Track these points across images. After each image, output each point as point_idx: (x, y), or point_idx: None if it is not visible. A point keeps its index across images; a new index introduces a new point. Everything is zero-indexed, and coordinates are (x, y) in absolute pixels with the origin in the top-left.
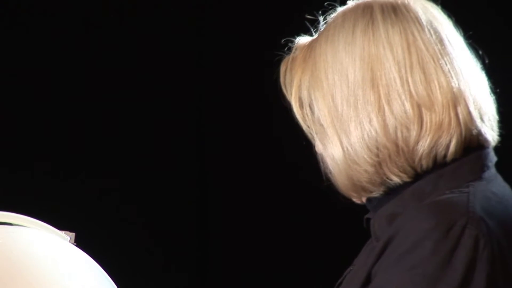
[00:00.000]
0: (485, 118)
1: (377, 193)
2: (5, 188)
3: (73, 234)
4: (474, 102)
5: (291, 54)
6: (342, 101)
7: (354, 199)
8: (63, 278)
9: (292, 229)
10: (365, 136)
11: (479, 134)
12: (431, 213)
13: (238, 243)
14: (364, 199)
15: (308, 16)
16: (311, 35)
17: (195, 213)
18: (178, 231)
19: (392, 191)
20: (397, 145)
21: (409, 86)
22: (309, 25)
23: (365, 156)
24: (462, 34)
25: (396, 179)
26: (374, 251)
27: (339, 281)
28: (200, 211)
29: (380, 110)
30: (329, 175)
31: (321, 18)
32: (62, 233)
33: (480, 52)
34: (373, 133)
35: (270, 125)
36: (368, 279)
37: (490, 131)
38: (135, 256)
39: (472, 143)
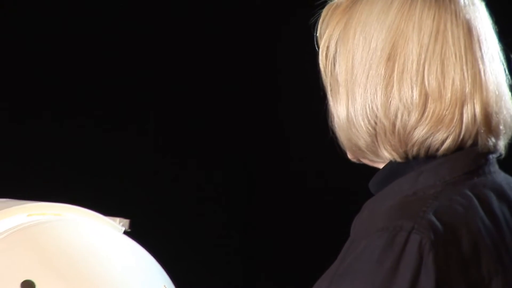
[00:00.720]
0: (494, 125)
1: (376, 163)
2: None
3: (127, 221)
4: (485, 108)
5: (336, 1)
6: (359, 65)
7: (350, 158)
8: (115, 269)
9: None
10: (367, 106)
11: (480, 138)
12: (385, 217)
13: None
14: (365, 161)
15: None
16: None
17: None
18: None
19: (384, 180)
20: (394, 125)
21: (423, 73)
22: None
23: (363, 125)
24: (500, 36)
25: (387, 155)
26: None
27: None
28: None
29: (388, 87)
30: (334, 130)
31: None
32: (117, 220)
33: None
34: (374, 106)
35: None
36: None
37: (496, 139)
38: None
39: (467, 145)
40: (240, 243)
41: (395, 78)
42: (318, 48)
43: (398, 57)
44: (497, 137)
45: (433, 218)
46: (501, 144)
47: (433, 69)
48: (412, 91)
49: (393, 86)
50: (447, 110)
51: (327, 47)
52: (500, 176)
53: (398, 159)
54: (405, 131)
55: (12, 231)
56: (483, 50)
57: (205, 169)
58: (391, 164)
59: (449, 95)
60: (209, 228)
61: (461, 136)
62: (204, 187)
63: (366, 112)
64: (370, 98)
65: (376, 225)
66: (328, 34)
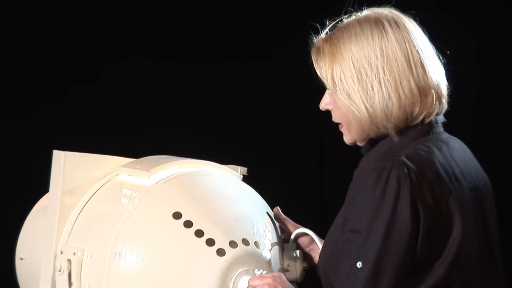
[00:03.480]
0: (443, 100)
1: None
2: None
3: (245, 169)
4: (441, 90)
5: (315, 46)
6: (371, 82)
7: (347, 141)
8: (238, 202)
9: None
10: (385, 108)
11: (438, 110)
12: (374, 162)
13: None
14: (360, 144)
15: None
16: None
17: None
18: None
19: (371, 146)
20: (406, 116)
21: (413, 74)
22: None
23: (382, 120)
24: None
25: (393, 136)
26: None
27: None
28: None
29: (396, 90)
30: (345, 134)
31: (327, 22)
32: (238, 169)
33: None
34: (390, 107)
35: None
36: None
37: (440, 114)
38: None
39: (431, 116)
40: None
41: (398, 82)
42: (322, 80)
43: (395, 69)
44: (440, 113)
45: (405, 159)
46: (442, 117)
47: (419, 71)
48: (411, 88)
49: (399, 88)
50: (432, 96)
51: (332, 79)
52: (445, 134)
53: (395, 136)
54: (412, 117)
55: (168, 178)
56: (429, 51)
57: None
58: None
59: (430, 85)
60: None
61: (433, 111)
62: None
63: (384, 111)
64: (386, 100)
65: (368, 168)
66: (330, 72)
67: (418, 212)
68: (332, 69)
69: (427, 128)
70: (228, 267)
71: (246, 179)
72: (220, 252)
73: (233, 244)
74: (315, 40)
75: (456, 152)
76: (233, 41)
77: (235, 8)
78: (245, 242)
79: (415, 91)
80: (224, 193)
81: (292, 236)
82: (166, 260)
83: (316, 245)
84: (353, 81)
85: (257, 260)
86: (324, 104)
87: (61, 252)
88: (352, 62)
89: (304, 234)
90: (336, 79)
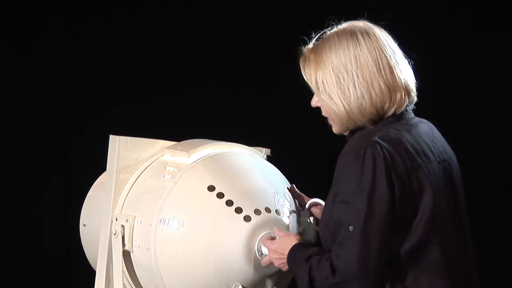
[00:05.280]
0: (412, 94)
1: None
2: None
3: (268, 150)
4: (409, 86)
5: (303, 55)
6: (348, 86)
7: (335, 131)
8: (263, 179)
9: None
10: (359, 105)
11: (408, 102)
12: (353, 144)
13: None
14: (345, 133)
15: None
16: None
17: None
18: None
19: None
20: (377, 111)
21: (382, 77)
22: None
23: (358, 116)
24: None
25: (368, 126)
26: None
27: None
28: None
29: (368, 90)
30: (332, 125)
31: (314, 35)
32: (263, 150)
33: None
34: (363, 104)
35: None
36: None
37: (411, 100)
38: None
39: (401, 109)
40: None
41: (369, 84)
42: (307, 85)
43: (367, 73)
44: (410, 104)
45: (378, 139)
46: (412, 105)
47: (387, 73)
48: (381, 88)
49: (370, 88)
50: (400, 93)
51: (315, 83)
52: (415, 119)
53: (369, 126)
54: (383, 111)
55: (204, 158)
56: (398, 55)
57: None
58: None
59: (399, 84)
60: None
61: (404, 105)
62: None
63: (359, 108)
64: (360, 99)
65: (348, 149)
66: (314, 77)
67: (392, 181)
68: (316, 75)
69: (398, 116)
70: (254, 231)
71: (269, 159)
72: (247, 219)
73: (257, 211)
74: (303, 50)
75: (424, 133)
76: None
77: None
78: (268, 210)
79: (385, 90)
80: (250, 170)
81: (307, 205)
82: (202, 224)
83: None
84: (333, 84)
85: (277, 225)
86: (315, 102)
87: (116, 219)
88: (332, 69)
89: (316, 204)
90: (319, 83)
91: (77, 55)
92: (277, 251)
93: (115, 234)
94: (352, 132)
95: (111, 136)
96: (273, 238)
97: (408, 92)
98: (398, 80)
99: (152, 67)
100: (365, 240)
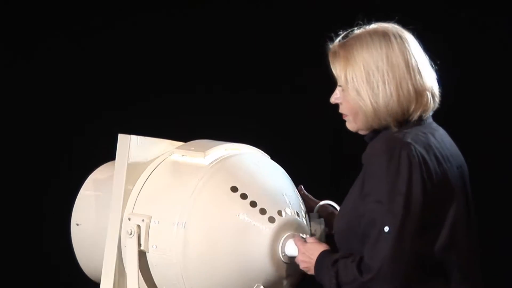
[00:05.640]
0: (436, 99)
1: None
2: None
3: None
4: (434, 91)
5: (332, 50)
6: (377, 82)
7: (351, 129)
8: (271, 177)
9: None
10: (387, 104)
11: (432, 107)
12: (382, 145)
13: None
14: (362, 132)
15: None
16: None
17: None
18: None
19: (374, 135)
20: (403, 112)
21: (411, 79)
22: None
23: (384, 114)
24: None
25: (393, 128)
26: (362, 170)
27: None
28: None
29: (397, 89)
30: (350, 122)
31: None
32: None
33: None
34: (391, 103)
35: None
36: (362, 186)
37: (435, 105)
38: None
39: (426, 113)
40: None
41: (398, 84)
42: (336, 78)
43: (397, 74)
44: (434, 109)
45: (411, 141)
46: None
47: (417, 76)
48: (409, 90)
49: (399, 88)
50: (427, 97)
51: (345, 78)
52: (434, 123)
53: (394, 128)
54: (408, 113)
55: (221, 159)
56: (425, 59)
57: None
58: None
59: (425, 88)
60: None
61: (430, 108)
62: None
63: (386, 106)
64: (388, 98)
65: (378, 151)
66: (343, 73)
67: (426, 184)
68: (346, 70)
69: (421, 119)
70: (278, 232)
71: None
72: (271, 220)
73: (280, 213)
74: (330, 46)
75: (445, 137)
76: None
77: None
78: (288, 212)
79: (412, 92)
80: (264, 170)
81: (317, 207)
82: (228, 225)
83: (334, 214)
84: (362, 81)
85: (297, 226)
86: (334, 98)
87: (129, 219)
88: (363, 65)
89: (324, 206)
90: (349, 78)
91: (77, 56)
92: (306, 254)
93: (130, 234)
94: (375, 132)
95: (120, 135)
96: (304, 240)
97: (433, 96)
98: (425, 84)
99: (151, 68)
100: (400, 242)
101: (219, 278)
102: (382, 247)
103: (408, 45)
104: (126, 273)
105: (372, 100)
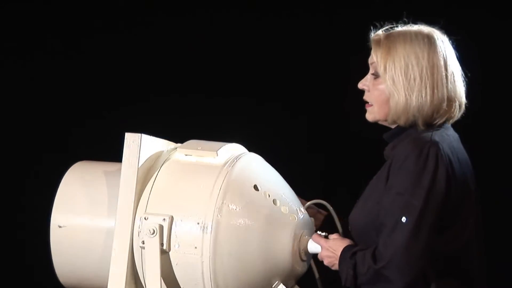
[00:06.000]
0: (461, 111)
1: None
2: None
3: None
4: (462, 100)
5: (376, 38)
6: (414, 77)
7: (370, 119)
8: (275, 173)
9: None
10: (419, 100)
11: (450, 118)
12: (410, 143)
13: None
14: (383, 123)
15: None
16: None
17: None
18: None
19: (398, 132)
20: (432, 112)
21: (447, 83)
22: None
23: (414, 109)
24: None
25: (419, 126)
26: (385, 166)
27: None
28: None
29: (432, 87)
30: (371, 111)
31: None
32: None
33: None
34: (423, 101)
35: None
36: (386, 181)
37: (458, 117)
38: None
39: (451, 120)
40: None
41: (434, 85)
42: (374, 64)
43: (436, 74)
44: (461, 112)
45: (438, 140)
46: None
47: (452, 80)
48: (443, 93)
49: (434, 89)
50: (456, 103)
51: (384, 68)
52: (451, 129)
53: (420, 127)
54: (438, 115)
55: (236, 158)
56: (458, 67)
57: None
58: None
59: (457, 94)
60: None
61: (454, 116)
62: None
63: (418, 104)
64: (421, 96)
65: (407, 148)
66: (383, 63)
67: (450, 183)
68: (386, 59)
69: (442, 123)
70: (298, 229)
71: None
72: (292, 218)
73: (297, 211)
74: (373, 34)
75: (460, 143)
76: None
77: None
78: (302, 210)
79: (445, 96)
80: (271, 170)
81: (305, 206)
82: (256, 224)
83: (319, 213)
84: (400, 72)
85: (310, 224)
86: (362, 84)
87: (146, 218)
88: (403, 57)
89: (311, 206)
90: (388, 67)
91: (77, 55)
92: (330, 250)
93: (153, 233)
94: (396, 132)
95: (128, 134)
96: (326, 237)
97: (460, 106)
98: (457, 93)
99: (150, 68)
100: (416, 233)
101: (247, 276)
102: (397, 236)
103: (449, 52)
104: (141, 274)
105: (406, 92)
